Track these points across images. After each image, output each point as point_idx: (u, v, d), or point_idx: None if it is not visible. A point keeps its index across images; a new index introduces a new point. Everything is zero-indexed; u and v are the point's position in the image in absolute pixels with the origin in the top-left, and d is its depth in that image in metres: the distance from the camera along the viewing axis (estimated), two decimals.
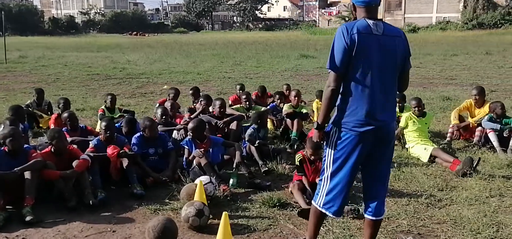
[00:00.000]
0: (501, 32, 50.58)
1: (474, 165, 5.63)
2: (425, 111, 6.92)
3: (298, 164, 5.08)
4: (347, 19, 67.65)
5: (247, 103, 7.55)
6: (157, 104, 8.23)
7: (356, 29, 3.13)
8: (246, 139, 6.27)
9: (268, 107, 8.14)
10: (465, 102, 7.53)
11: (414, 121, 6.74)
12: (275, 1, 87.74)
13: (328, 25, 74.57)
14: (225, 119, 6.80)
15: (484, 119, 6.86)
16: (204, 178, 4.93)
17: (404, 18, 71.71)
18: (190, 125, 5.63)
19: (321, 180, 3.48)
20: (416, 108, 6.77)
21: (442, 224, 4.36)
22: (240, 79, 16.10)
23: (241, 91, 8.84)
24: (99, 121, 7.34)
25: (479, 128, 6.95)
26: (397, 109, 7.84)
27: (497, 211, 4.60)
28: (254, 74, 17.72)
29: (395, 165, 6.03)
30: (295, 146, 6.85)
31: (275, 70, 18.79)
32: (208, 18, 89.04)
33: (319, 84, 14.77)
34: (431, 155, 6.22)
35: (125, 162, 5.22)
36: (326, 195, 3.42)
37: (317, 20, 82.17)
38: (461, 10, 64.48)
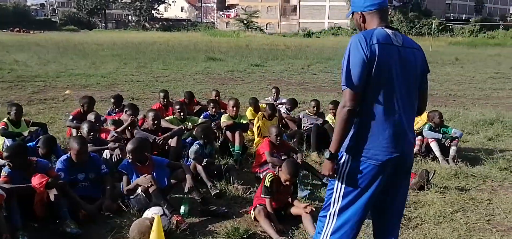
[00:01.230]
0: None
1: (429, 178, 5.53)
2: None
3: (268, 185, 4.49)
4: (245, 22, 68.56)
5: (181, 114, 6.75)
6: (71, 117, 7.06)
7: (376, 39, 2.65)
8: (191, 157, 5.51)
9: (202, 117, 7.42)
10: None
11: None
12: (172, 1, 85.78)
13: (227, 27, 74.82)
14: (165, 135, 5.97)
15: (424, 129, 6.89)
16: (155, 209, 4.14)
17: (299, 22, 74.63)
18: (130, 146, 4.74)
19: (324, 216, 2.95)
20: None
21: None
22: (150, 82, 15.11)
23: (165, 99, 8.02)
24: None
25: (419, 137, 6.96)
26: (333, 117, 7.64)
27: (470, 230, 4.47)
28: (164, 77, 16.72)
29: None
30: (239, 161, 6.28)
31: (185, 73, 17.97)
32: (101, 16, 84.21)
33: (235, 89, 14.33)
34: None
35: (52, 193, 4.20)
36: (331, 234, 2.89)
37: (216, 22, 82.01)
38: (350, 17, 68.56)
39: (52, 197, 4.20)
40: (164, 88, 9.24)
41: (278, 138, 5.76)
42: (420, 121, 7.24)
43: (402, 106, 2.70)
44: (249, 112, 8.19)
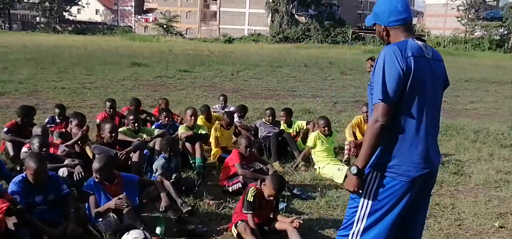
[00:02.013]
0: (305, 46, 56.41)
1: None
2: (331, 130, 6.78)
3: (251, 200, 4.26)
4: (165, 26, 67.09)
5: (136, 124, 6.28)
6: (5, 129, 6.30)
7: (410, 51, 2.58)
8: (158, 172, 5.11)
9: (154, 127, 6.98)
10: (356, 119, 7.65)
11: (322, 141, 6.53)
12: (86, 3, 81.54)
13: (145, 31, 72.74)
14: (127, 149, 5.48)
15: None
16: (135, 233, 3.74)
17: (219, 28, 74.66)
18: (97, 165, 4.24)
19: (345, 236, 2.81)
20: (325, 128, 6.57)
21: None
22: (76, 89, 14.13)
23: (112, 109, 7.46)
24: None
25: None
26: (285, 125, 7.61)
27: (447, 236, 4.60)
28: (90, 83, 15.70)
29: (319, 189, 5.71)
30: (202, 174, 5.98)
31: (113, 79, 17.05)
32: (4, 16, 77.77)
33: (170, 96, 13.79)
34: (346, 176, 6.05)
35: (10, 221, 3.64)
36: None
37: (133, 26, 79.33)
38: (269, 24, 70.05)
39: (10, 225, 3.64)
40: (84, 93, 8.61)
41: (248, 149, 5.55)
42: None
43: (431, 120, 2.65)
44: (200, 121, 7.87)
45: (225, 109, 9.07)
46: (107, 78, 17.28)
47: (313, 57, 36.94)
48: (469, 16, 63.61)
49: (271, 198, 4.30)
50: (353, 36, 63.47)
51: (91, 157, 5.51)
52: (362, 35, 65.32)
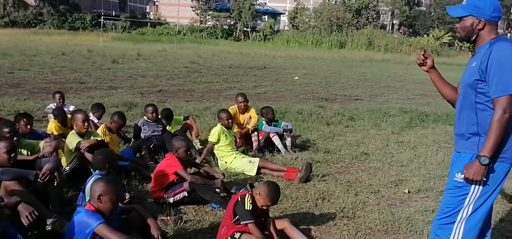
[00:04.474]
0: (42, 32, 50.78)
1: (312, 170, 5.96)
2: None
3: (249, 208, 3.84)
4: None
5: (14, 138, 4.64)
6: None
7: None
8: None
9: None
10: (231, 109, 7.56)
11: (226, 135, 6.27)
12: None
13: None
14: (48, 168, 3.94)
15: (264, 125, 7.21)
16: None
17: None
18: (108, 188, 3.07)
19: (450, 224, 2.95)
20: (229, 120, 6.32)
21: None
22: None
23: None
24: None
25: (255, 133, 7.26)
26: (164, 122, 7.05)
27: (389, 205, 5.20)
28: None
29: (247, 185, 5.53)
30: None
31: None
32: None
33: None
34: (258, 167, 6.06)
35: None
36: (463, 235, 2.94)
37: None
38: None
39: None
40: None
41: (189, 153, 4.91)
42: (250, 118, 7.52)
43: None
44: (53, 126, 6.46)
45: (65, 108, 7.65)
46: None
47: (63, 44, 33.84)
48: (202, 6, 68.69)
49: (265, 207, 4.00)
50: (93, 22, 60.51)
51: None
52: (104, 22, 63.08)
